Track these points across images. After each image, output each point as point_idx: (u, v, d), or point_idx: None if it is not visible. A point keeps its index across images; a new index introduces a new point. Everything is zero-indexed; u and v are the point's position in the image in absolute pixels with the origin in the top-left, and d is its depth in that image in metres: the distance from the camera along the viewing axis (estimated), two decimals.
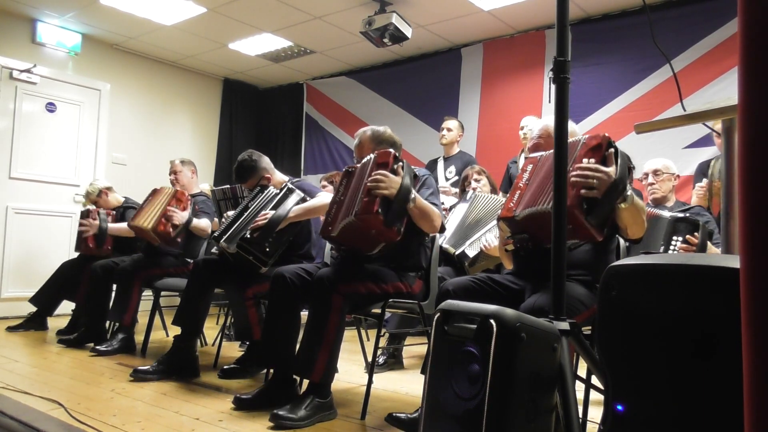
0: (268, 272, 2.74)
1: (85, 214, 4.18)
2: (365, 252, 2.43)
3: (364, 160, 2.44)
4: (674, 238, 2.63)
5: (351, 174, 2.48)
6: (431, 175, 2.58)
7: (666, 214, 2.75)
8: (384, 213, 2.18)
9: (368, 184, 2.21)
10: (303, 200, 2.88)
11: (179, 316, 2.97)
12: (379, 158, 2.32)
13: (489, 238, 3.13)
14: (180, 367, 2.90)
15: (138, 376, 2.79)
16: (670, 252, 2.60)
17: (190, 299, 3.00)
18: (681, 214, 2.71)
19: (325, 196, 2.83)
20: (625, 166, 1.82)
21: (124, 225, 4.08)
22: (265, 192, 3.00)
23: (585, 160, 1.80)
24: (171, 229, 3.58)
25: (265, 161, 3.17)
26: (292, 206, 2.83)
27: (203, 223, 3.70)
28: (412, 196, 2.26)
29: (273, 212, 2.80)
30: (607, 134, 1.87)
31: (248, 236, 2.76)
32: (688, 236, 2.59)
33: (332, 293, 2.25)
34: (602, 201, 1.76)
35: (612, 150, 1.82)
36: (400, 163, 2.29)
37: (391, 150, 2.35)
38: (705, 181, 3.37)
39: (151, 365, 2.85)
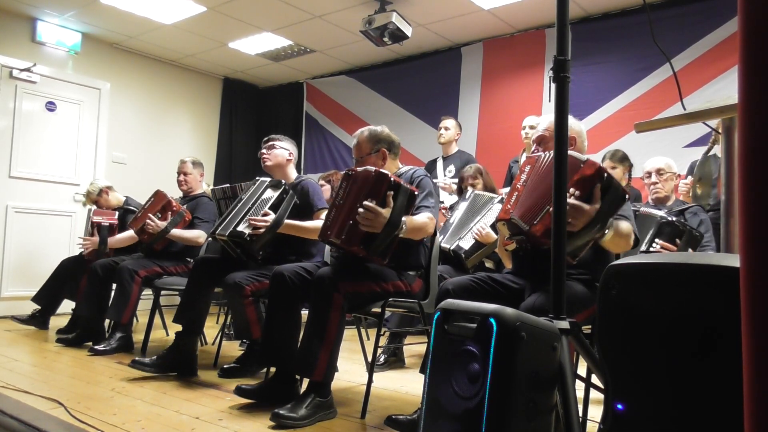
0: (267, 271, 2.75)
1: (89, 228, 4.13)
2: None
3: (362, 171, 2.38)
4: (656, 240, 2.63)
5: (350, 178, 2.42)
6: (427, 175, 2.57)
7: (657, 214, 2.74)
8: (367, 246, 2.25)
9: (356, 217, 2.22)
10: (295, 205, 2.90)
11: (179, 314, 2.98)
12: (372, 185, 2.27)
13: (480, 225, 3.16)
14: (179, 363, 2.91)
15: (137, 366, 2.81)
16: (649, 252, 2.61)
17: (191, 297, 3.00)
18: (670, 218, 2.69)
19: (319, 222, 2.77)
20: (611, 202, 1.78)
21: (124, 235, 4.05)
22: (258, 184, 3.02)
23: (571, 189, 1.76)
24: (145, 237, 3.63)
25: (280, 144, 3.17)
26: (288, 211, 2.85)
27: (188, 234, 3.68)
28: (402, 227, 2.26)
29: (272, 216, 2.80)
30: (602, 166, 1.82)
31: (247, 237, 2.77)
32: (662, 243, 2.58)
33: (333, 292, 2.25)
34: (577, 234, 1.76)
35: (599, 185, 1.77)
36: (391, 192, 2.25)
37: (386, 173, 2.29)
38: (690, 178, 3.37)
39: (151, 358, 2.87)
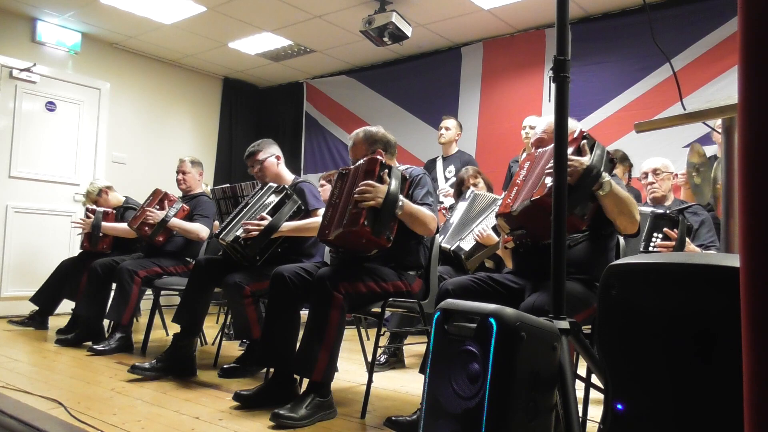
0: (267, 271, 2.75)
1: (85, 213, 4.21)
2: (362, 254, 2.45)
3: (355, 165, 2.47)
4: (654, 234, 2.64)
5: (344, 177, 2.49)
6: (426, 174, 2.58)
7: (647, 210, 2.75)
8: (371, 224, 2.24)
9: (355, 195, 2.26)
10: (299, 209, 2.91)
11: (179, 314, 2.98)
12: (366, 166, 2.36)
13: (482, 227, 3.16)
14: (178, 365, 2.91)
15: (136, 372, 2.80)
16: (650, 249, 2.62)
17: (190, 297, 3.00)
18: (661, 211, 2.71)
19: (319, 219, 2.81)
20: (601, 157, 1.90)
21: (120, 225, 4.08)
22: (264, 189, 3.02)
23: None
24: (147, 228, 3.64)
25: (264, 154, 3.14)
26: (287, 215, 2.86)
27: (190, 226, 3.68)
28: (400, 203, 2.29)
29: (268, 220, 2.82)
30: (581, 128, 1.99)
31: (241, 242, 2.80)
32: (666, 230, 2.60)
33: (333, 292, 2.25)
34: (576, 187, 1.84)
35: (585, 141, 1.93)
36: (386, 170, 2.32)
37: (378, 157, 2.36)
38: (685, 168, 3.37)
39: (149, 362, 2.86)
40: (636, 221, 1.97)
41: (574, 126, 2.21)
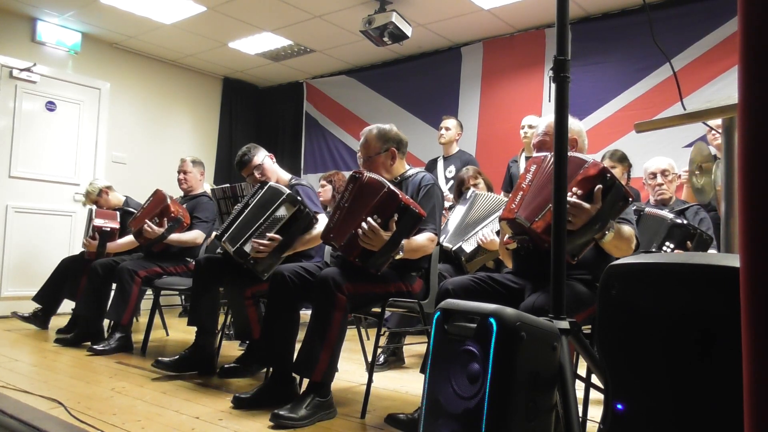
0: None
1: (90, 230, 4.12)
2: None
3: (375, 182, 2.33)
4: (667, 243, 2.64)
5: (358, 182, 2.38)
6: (435, 183, 2.54)
7: (667, 216, 2.75)
8: (363, 260, 2.27)
9: (358, 229, 2.22)
10: (310, 221, 2.81)
11: (191, 316, 3.01)
12: (381, 202, 2.24)
13: (485, 232, 3.15)
14: (199, 362, 2.95)
15: (159, 366, 2.85)
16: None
17: (198, 298, 3.01)
18: (680, 220, 2.70)
19: (320, 226, 2.76)
20: (613, 203, 1.81)
21: (124, 240, 4.07)
22: (265, 189, 2.90)
23: (573, 189, 1.78)
24: (143, 240, 3.66)
25: (259, 158, 3.10)
26: (299, 231, 2.78)
27: (186, 237, 3.69)
28: (400, 249, 2.27)
29: (279, 241, 2.72)
30: (605, 167, 1.83)
31: (251, 260, 2.73)
32: (677, 251, 2.60)
33: (336, 293, 2.25)
34: (576, 233, 1.78)
35: (600, 187, 1.78)
36: (396, 217, 2.22)
37: (398, 196, 2.24)
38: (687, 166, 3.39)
39: (172, 358, 2.90)
40: (631, 250, 1.97)
41: (578, 128, 2.19)
